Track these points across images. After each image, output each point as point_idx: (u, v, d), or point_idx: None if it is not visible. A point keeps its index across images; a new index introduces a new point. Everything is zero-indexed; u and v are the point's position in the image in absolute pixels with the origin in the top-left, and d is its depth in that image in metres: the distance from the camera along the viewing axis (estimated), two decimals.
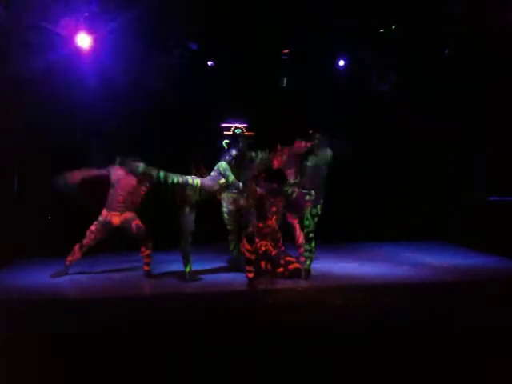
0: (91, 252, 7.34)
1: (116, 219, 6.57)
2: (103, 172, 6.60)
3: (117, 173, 6.57)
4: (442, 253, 8.11)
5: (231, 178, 6.45)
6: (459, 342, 4.18)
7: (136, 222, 6.62)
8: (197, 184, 6.30)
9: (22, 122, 7.68)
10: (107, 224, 6.58)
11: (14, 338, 4.28)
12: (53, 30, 7.00)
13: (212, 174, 6.48)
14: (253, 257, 6.05)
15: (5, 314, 5.05)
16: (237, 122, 9.58)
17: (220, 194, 6.76)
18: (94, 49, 7.43)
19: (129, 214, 6.61)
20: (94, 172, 6.57)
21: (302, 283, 6.23)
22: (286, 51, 8.85)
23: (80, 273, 6.81)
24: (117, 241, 7.52)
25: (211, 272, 6.80)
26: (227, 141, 9.35)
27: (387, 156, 9.38)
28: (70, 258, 6.61)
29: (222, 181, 6.43)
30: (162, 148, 8.25)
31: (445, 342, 4.16)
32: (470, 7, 7.70)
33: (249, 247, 6.00)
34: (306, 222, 6.56)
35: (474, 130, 8.83)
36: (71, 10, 7.06)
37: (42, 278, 6.54)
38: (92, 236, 6.56)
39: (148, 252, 6.63)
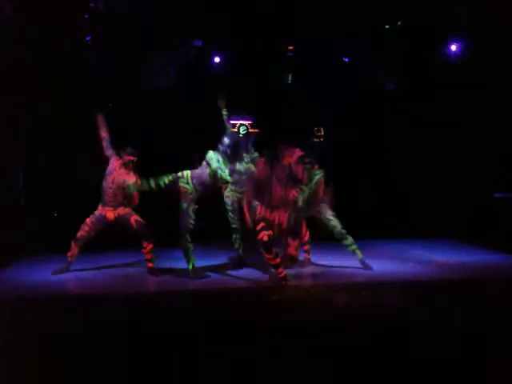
0: (96, 248, 7.39)
1: (110, 214, 6.56)
2: (107, 147, 6.57)
3: (113, 163, 6.56)
4: (448, 250, 8.08)
5: (214, 165, 6.23)
6: (465, 339, 4.15)
7: (135, 218, 6.59)
8: (186, 174, 6.26)
9: None
10: (102, 218, 6.57)
11: (18, 335, 4.28)
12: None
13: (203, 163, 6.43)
14: (277, 260, 5.89)
15: (10, 311, 5.05)
16: (241, 119, 9.55)
17: (220, 188, 6.69)
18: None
19: (123, 210, 6.58)
20: (105, 135, 6.55)
21: (308, 280, 6.22)
22: (291, 48, 8.82)
23: (84, 269, 6.81)
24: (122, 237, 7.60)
25: (215, 269, 6.78)
26: None
27: (392, 154, 9.36)
28: (69, 254, 6.62)
29: (210, 169, 6.28)
30: (168, 145, 8.27)
31: (451, 340, 4.14)
32: (473, 6, 7.71)
33: (269, 256, 5.85)
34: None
35: (479, 128, 8.81)
36: None
37: (47, 275, 6.54)
38: (87, 228, 6.54)
39: (150, 247, 6.57)
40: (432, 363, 3.70)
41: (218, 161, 6.28)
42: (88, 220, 6.57)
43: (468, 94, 8.65)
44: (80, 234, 6.54)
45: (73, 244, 6.58)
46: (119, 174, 6.52)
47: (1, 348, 4.02)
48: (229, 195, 6.94)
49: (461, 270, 6.72)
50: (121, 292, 5.85)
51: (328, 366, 3.69)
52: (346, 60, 9.12)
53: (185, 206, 6.21)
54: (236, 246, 6.98)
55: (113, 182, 6.51)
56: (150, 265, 6.63)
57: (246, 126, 9.50)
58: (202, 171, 6.32)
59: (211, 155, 6.31)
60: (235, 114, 9.39)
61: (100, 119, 6.58)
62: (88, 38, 7.89)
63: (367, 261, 6.83)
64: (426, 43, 8.43)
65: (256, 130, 9.48)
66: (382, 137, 9.39)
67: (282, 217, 5.89)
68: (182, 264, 6.62)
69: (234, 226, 6.95)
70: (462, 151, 9.23)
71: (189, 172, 6.30)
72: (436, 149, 9.24)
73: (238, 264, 6.95)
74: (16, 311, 5.05)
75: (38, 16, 7.01)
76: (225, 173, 6.27)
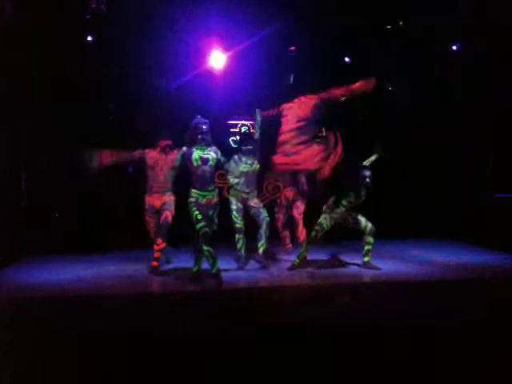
0: (98, 249, 7.42)
1: (157, 202, 6.82)
2: (135, 156, 6.78)
3: (152, 156, 6.78)
4: (448, 250, 8.09)
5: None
6: (464, 339, 4.16)
7: (168, 213, 6.72)
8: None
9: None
10: (152, 208, 6.84)
11: (18, 336, 4.28)
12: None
13: None
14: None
15: (11, 311, 5.05)
16: (243, 120, 9.53)
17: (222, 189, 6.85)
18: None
19: (169, 198, 6.81)
20: (126, 156, 6.71)
21: (309, 281, 6.22)
22: (293, 48, 8.81)
23: (86, 270, 6.84)
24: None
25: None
26: (234, 138, 9.34)
27: (391, 153, 9.33)
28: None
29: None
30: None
31: (451, 340, 4.14)
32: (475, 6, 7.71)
33: None
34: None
35: (480, 128, 8.80)
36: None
37: (48, 275, 6.56)
38: (151, 225, 6.92)
39: (162, 246, 6.67)
40: (432, 362, 3.71)
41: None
42: (146, 217, 6.91)
43: (468, 93, 8.66)
44: (152, 231, 6.92)
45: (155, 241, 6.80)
46: (163, 160, 6.78)
47: (1, 348, 4.02)
48: (234, 195, 6.95)
49: (462, 270, 6.72)
50: (122, 293, 5.83)
51: (329, 366, 3.70)
52: (348, 60, 9.12)
53: (210, 212, 6.16)
54: (238, 246, 6.97)
55: (162, 169, 6.79)
56: (155, 263, 6.65)
57: (248, 127, 9.48)
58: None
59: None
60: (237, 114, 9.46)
61: (104, 159, 6.52)
62: (90, 39, 7.90)
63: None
64: (427, 43, 8.43)
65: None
66: (382, 136, 9.35)
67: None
68: (187, 264, 6.66)
69: (237, 225, 6.93)
70: (462, 151, 9.22)
71: None
72: (436, 148, 9.23)
73: (242, 264, 6.93)
74: (16, 311, 5.05)
75: (38, 16, 7.00)
76: None
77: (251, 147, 6.92)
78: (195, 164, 6.03)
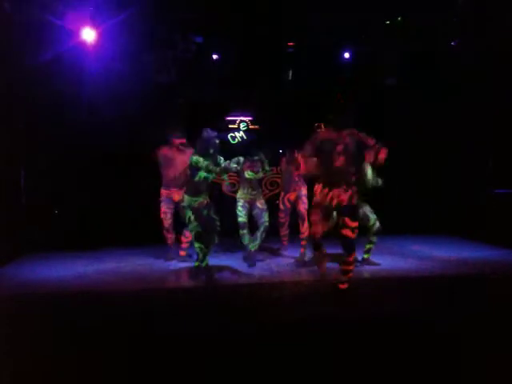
0: (99, 246, 7.39)
1: (176, 196, 6.97)
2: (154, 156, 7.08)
3: (165, 153, 6.99)
4: (448, 246, 8.09)
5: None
6: (464, 334, 4.16)
7: None
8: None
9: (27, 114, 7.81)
10: (170, 200, 7.04)
11: (19, 332, 4.28)
12: (57, 23, 7.10)
13: None
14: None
15: (12, 308, 5.06)
16: (242, 115, 9.53)
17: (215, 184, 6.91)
18: (99, 42, 7.54)
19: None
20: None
21: (309, 277, 6.23)
22: (292, 44, 8.81)
23: (87, 267, 6.84)
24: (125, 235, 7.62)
25: (217, 266, 6.76)
26: (232, 134, 9.34)
27: (392, 149, 9.33)
28: (169, 242, 7.20)
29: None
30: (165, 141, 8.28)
31: (451, 335, 4.15)
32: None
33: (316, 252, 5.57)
34: None
35: (478, 123, 8.80)
36: (76, 3, 7.15)
37: (48, 272, 6.57)
38: (167, 216, 7.07)
39: (190, 238, 6.76)
40: (432, 360, 3.71)
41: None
42: (162, 208, 7.05)
43: (468, 93, 8.66)
44: (166, 223, 7.08)
45: (165, 233, 7.14)
46: (178, 158, 6.94)
47: (2, 345, 4.02)
48: (242, 197, 6.98)
49: (462, 265, 6.73)
50: (122, 289, 5.85)
51: (329, 363, 3.70)
52: (348, 56, 9.11)
53: (205, 212, 6.20)
54: (245, 241, 6.97)
55: (176, 167, 6.96)
56: (183, 253, 7.09)
57: (247, 123, 9.48)
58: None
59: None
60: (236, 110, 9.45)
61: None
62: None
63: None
64: (426, 39, 8.42)
65: (256, 127, 9.48)
66: (382, 132, 9.34)
67: (341, 196, 5.25)
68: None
69: (240, 219, 6.92)
70: (462, 147, 9.22)
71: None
72: (437, 144, 9.22)
73: (253, 262, 6.90)
74: (18, 307, 5.06)
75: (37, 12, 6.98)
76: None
77: (257, 157, 6.90)
78: (197, 178, 6.11)
